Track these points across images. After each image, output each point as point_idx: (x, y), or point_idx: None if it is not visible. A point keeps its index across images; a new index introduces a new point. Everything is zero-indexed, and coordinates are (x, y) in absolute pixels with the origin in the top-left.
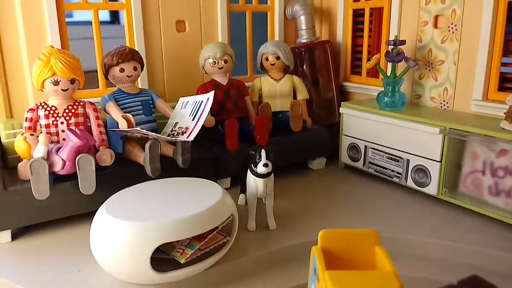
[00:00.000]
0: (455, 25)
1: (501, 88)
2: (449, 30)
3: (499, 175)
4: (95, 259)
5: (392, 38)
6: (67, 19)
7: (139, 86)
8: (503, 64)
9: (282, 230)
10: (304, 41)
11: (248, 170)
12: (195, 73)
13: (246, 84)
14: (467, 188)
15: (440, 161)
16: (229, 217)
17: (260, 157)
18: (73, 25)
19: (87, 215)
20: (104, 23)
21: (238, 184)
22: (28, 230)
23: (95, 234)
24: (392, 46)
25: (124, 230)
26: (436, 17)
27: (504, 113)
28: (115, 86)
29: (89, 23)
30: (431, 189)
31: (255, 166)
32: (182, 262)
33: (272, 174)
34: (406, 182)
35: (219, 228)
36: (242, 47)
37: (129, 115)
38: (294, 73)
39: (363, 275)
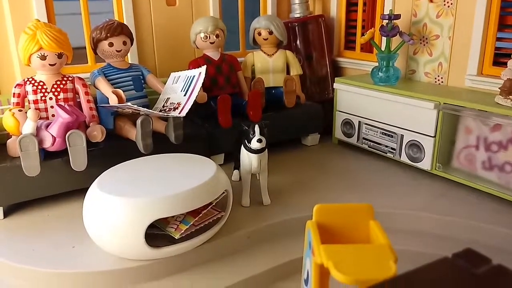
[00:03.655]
0: None
1: (496, 63)
2: (444, 4)
3: (492, 150)
4: (88, 235)
5: (386, 12)
6: None
7: (129, 62)
8: (498, 39)
9: (276, 206)
10: (297, 15)
11: (242, 146)
12: (186, 48)
13: (238, 59)
14: (460, 163)
15: (434, 136)
16: (223, 192)
17: (254, 132)
18: (59, 0)
19: (80, 192)
20: None
21: (231, 161)
22: (21, 207)
23: (88, 211)
24: (387, 21)
25: (118, 207)
26: None
27: (499, 88)
28: (105, 62)
29: None
30: (425, 164)
31: (249, 141)
32: (176, 238)
33: (266, 149)
34: (400, 157)
35: (214, 204)
36: (234, 21)
37: (119, 90)
38: (287, 48)
39: (358, 248)
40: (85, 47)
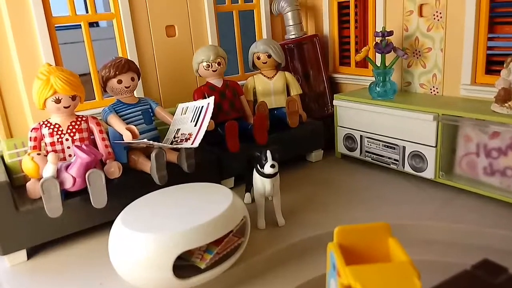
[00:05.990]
0: (440, 13)
1: (489, 71)
2: (434, 18)
3: (493, 156)
4: (115, 271)
5: (378, 29)
6: None
7: (135, 95)
8: (489, 48)
9: (291, 225)
10: (293, 36)
11: (254, 171)
12: (188, 77)
13: (239, 83)
14: (463, 170)
15: (435, 146)
16: (242, 219)
17: (266, 158)
18: (61, 30)
19: (100, 227)
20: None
21: (242, 183)
22: (44, 248)
23: (114, 248)
24: (381, 38)
25: (145, 243)
26: (421, 6)
27: (494, 97)
28: (111, 96)
29: (74, 26)
30: (428, 173)
31: (262, 167)
32: (202, 268)
33: (278, 173)
34: (404, 168)
35: (234, 231)
36: (231, 46)
37: (133, 126)
38: (285, 69)
39: (382, 267)
40: (87, 74)
